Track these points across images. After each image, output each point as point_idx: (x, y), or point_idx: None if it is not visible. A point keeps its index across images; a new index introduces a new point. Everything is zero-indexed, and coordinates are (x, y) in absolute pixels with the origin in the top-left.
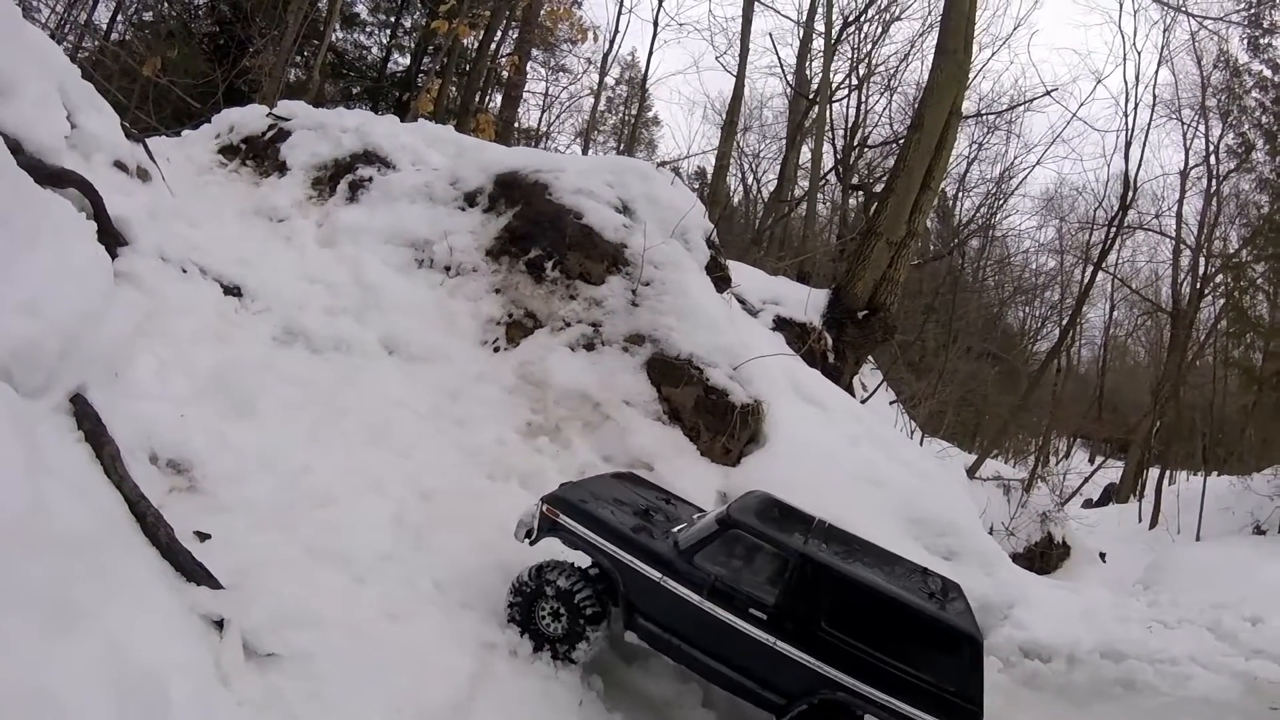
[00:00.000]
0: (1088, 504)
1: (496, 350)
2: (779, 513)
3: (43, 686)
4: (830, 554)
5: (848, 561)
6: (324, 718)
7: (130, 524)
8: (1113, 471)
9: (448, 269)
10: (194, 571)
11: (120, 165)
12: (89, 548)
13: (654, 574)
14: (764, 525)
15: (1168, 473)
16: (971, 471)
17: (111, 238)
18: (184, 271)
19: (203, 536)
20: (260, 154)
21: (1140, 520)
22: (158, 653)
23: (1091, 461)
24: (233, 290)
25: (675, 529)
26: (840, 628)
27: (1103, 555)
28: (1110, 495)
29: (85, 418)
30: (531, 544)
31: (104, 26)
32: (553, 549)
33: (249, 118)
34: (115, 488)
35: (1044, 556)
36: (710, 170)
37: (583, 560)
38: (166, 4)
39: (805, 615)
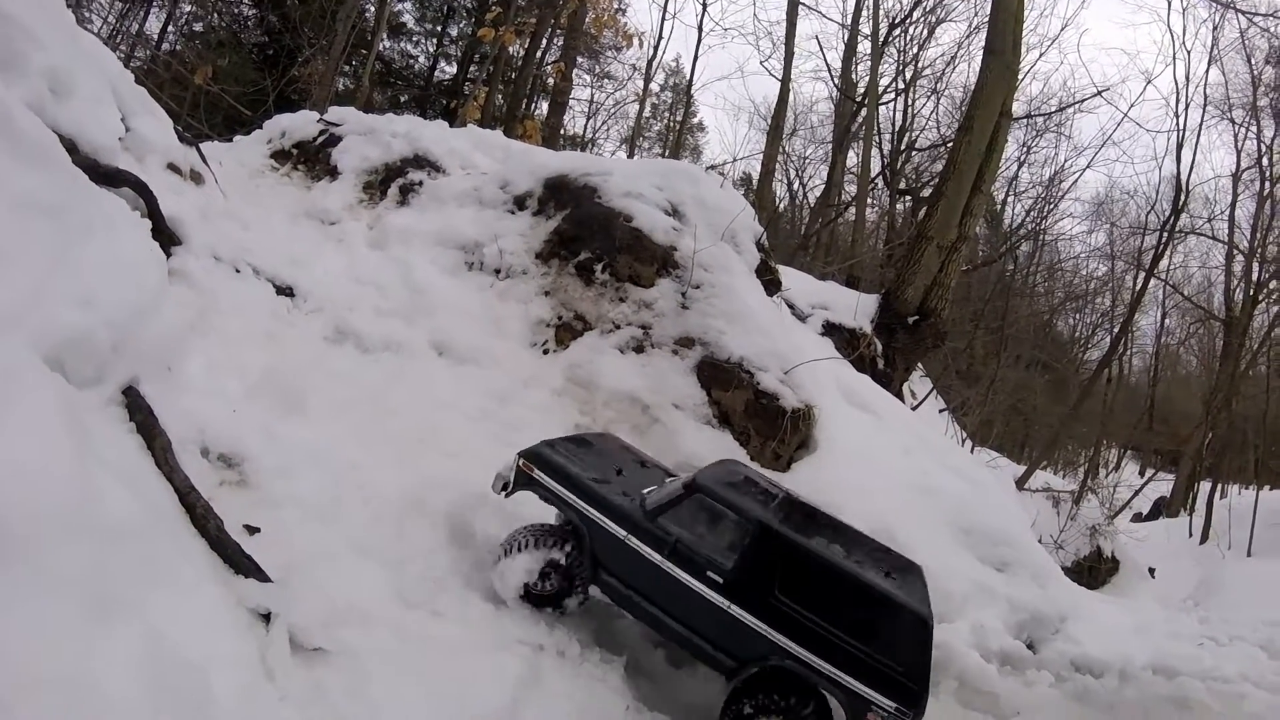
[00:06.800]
0: (1137, 517)
1: (546, 352)
2: (746, 482)
3: (83, 673)
4: (789, 524)
5: (807, 534)
6: (368, 716)
7: (180, 515)
8: (1163, 484)
9: (497, 271)
10: (242, 564)
11: (174, 167)
12: (136, 537)
13: (619, 531)
14: (727, 492)
15: (1219, 486)
16: (1021, 482)
17: (165, 237)
18: (237, 271)
19: (252, 530)
20: (311, 158)
21: (1191, 535)
22: (201, 644)
23: (1142, 474)
24: (285, 290)
25: (645, 490)
26: (792, 597)
27: (1152, 570)
28: (1160, 509)
29: (137, 409)
30: (506, 496)
31: (155, 36)
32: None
33: (300, 123)
34: (166, 479)
35: (1092, 571)
36: (756, 175)
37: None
38: (217, 15)
39: (759, 582)
